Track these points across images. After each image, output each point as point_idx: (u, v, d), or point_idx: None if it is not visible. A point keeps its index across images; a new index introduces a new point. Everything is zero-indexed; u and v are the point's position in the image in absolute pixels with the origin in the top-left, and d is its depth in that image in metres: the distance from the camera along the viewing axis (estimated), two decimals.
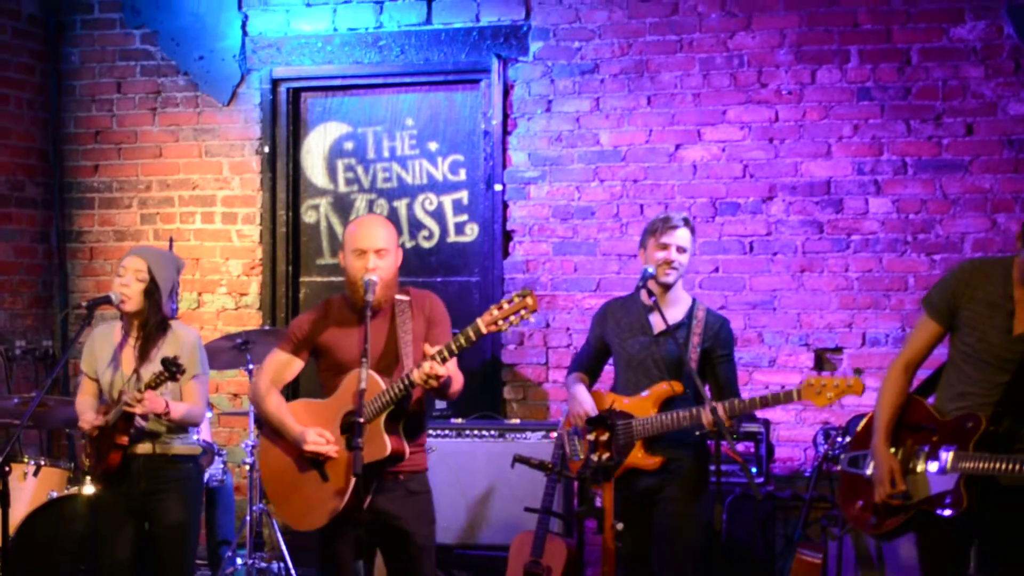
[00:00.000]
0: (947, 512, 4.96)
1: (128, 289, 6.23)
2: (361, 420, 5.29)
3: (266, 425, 5.91)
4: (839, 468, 5.68)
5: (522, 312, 5.30)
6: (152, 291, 6.26)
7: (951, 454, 5.00)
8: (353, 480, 5.38)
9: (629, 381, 6.43)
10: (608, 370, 6.74)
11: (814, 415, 8.27)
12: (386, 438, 5.46)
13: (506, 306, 5.32)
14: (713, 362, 6.40)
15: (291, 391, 6.05)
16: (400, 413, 5.55)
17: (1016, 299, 4.97)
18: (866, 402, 7.99)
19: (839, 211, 8.30)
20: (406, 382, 5.43)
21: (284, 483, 5.79)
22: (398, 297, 5.81)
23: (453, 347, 5.39)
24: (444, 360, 5.37)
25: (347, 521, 5.51)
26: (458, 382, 5.70)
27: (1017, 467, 4.79)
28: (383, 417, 5.48)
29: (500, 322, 5.32)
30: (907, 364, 5.34)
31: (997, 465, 4.84)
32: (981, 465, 4.88)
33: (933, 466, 5.05)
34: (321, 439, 5.58)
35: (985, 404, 5.01)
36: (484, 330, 5.33)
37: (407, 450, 5.58)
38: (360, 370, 5.39)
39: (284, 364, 5.89)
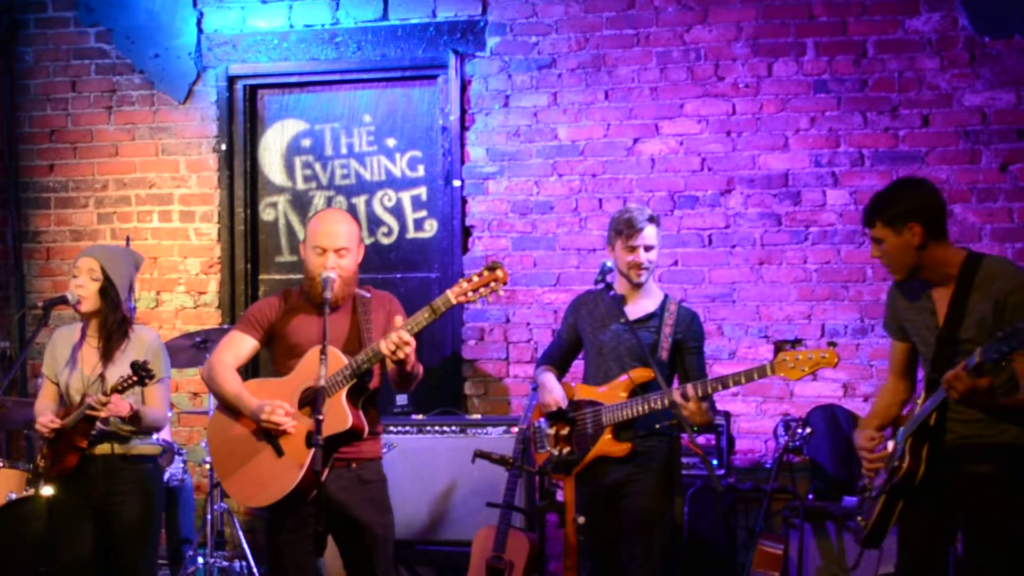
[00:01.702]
0: (900, 475, 5.08)
1: (83, 290, 6.17)
2: (320, 417, 5.28)
3: (220, 402, 5.88)
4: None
5: (492, 284, 5.34)
6: (108, 290, 6.20)
7: (901, 429, 5.22)
8: (309, 455, 5.38)
9: (599, 370, 6.43)
10: (577, 365, 6.74)
11: (774, 406, 8.30)
12: (347, 410, 5.46)
13: (476, 279, 5.36)
14: (683, 353, 6.42)
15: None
16: (360, 389, 5.56)
17: (934, 297, 5.20)
18: (826, 392, 8.07)
19: (797, 203, 8.33)
20: (371, 352, 5.44)
21: (236, 459, 5.75)
22: (359, 292, 5.82)
23: (423, 319, 5.40)
24: (412, 332, 5.37)
25: (301, 509, 5.51)
26: (418, 369, 5.69)
27: (939, 403, 4.99)
28: (345, 390, 5.49)
29: (470, 293, 5.35)
30: (893, 373, 5.56)
31: (924, 412, 5.05)
32: (917, 420, 5.08)
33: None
34: (280, 409, 5.56)
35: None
36: (454, 300, 5.37)
37: (366, 427, 5.58)
38: (321, 367, 5.38)
39: (241, 345, 5.89)
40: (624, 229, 6.36)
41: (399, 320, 5.43)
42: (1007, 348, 4.59)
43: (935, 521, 5.22)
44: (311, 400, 5.51)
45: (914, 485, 5.08)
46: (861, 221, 5.31)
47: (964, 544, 5.29)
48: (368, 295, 5.86)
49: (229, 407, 5.80)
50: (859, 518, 5.41)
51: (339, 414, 5.45)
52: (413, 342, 5.37)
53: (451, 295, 5.36)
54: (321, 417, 5.28)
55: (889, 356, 5.60)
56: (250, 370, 7.82)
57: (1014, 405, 4.97)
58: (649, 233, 6.36)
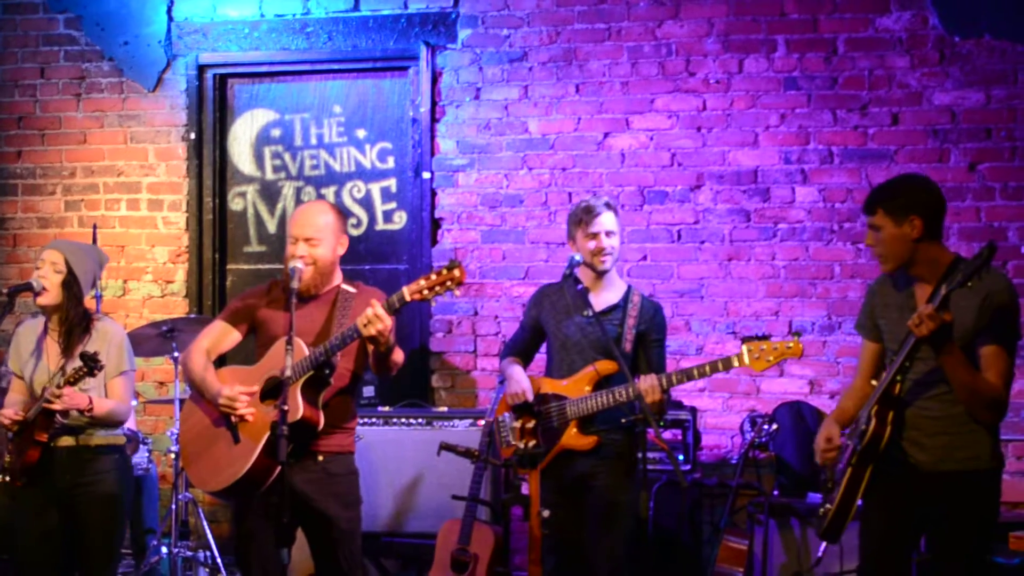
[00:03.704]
0: (867, 439, 5.09)
1: (46, 281, 6.15)
2: (286, 408, 5.27)
3: (191, 387, 5.89)
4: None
5: (448, 283, 5.34)
6: (71, 284, 6.18)
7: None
8: (262, 442, 5.40)
9: (563, 363, 6.41)
10: (540, 358, 6.73)
11: (741, 402, 8.31)
12: (299, 402, 5.46)
13: (433, 277, 5.36)
14: (646, 345, 6.41)
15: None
16: (320, 382, 5.54)
17: (916, 297, 5.21)
18: (792, 389, 8.09)
19: (766, 200, 8.35)
20: (333, 343, 5.46)
21: (197, 442, 5.78)
22: (344, 287, 5.81)
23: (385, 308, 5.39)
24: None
25: (267, 500, 5.50)
26: (399, 355, 5.68)
27: (909, 350, 5.03)
28: (300, 382, 5.48)
29: (425, 291, 5.34)
30: (861, 374, 5.53)
31: (884, 378, 5.11)
32: (877, 390, 5.13)
33: (858, 429, 5.21)
34: (237, 396, 5.56)
35: None
36: (408, 298, 5.35)
37: (321, 421, 5.56)
38: (286, 356, 5.37)
39: (220, 333, 5.89)
40: (583, 216, 6.37)
41: (375, 302, 5.41)
42: (974, 268, 4.76)
43: (897, 519, 5.22)
44: (273, 389, 5.51)
45: (879, 450, 5.09)
46: (862, 208, 5.30)
47: (931, 541, 5.30)
48: (353, 290, 5.85)
49: (198, 392, 5.81)
50: (821, 509, 5.39)
51: (291, 405, 5.42)
52: (387, 319, 5.35)
53: (406, 292, 5.36)
54: (286, 407, 5.27)
55: (859, 356, 5.59)
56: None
57: (972, 380, 4.99)
58: (607, 218, 6.35)
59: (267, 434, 5.43)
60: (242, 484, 5.52)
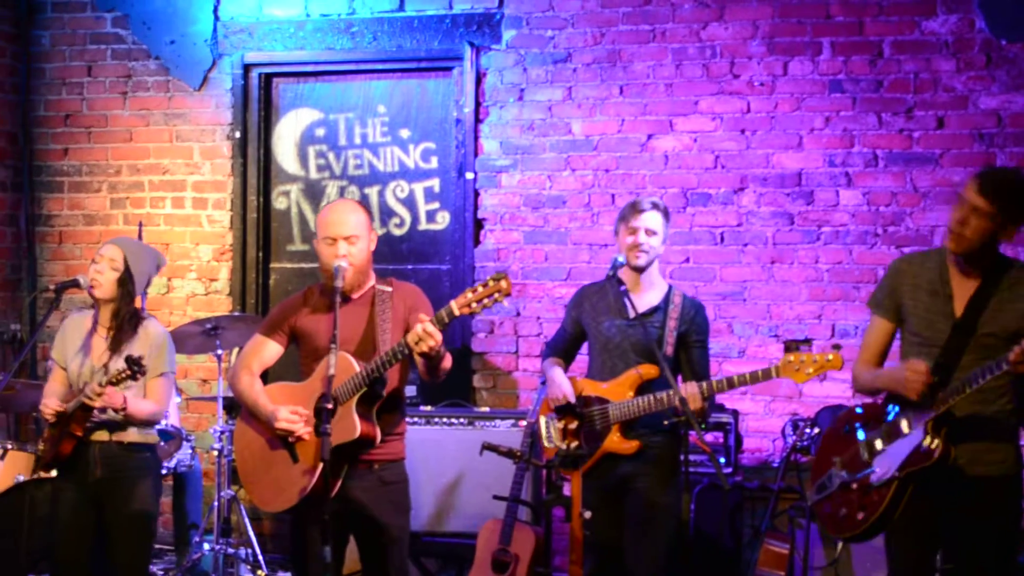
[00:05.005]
0: (935, 459, 4.93)
1: (101, 276, 6.20)
2: (329, 406, 5.28)
3: (241, 406, 5.87)
4: (812, 503, 5.59)
5: (496, 295, 5.30)
6: (125, 281, 6.23)
7: (910, 414, 5.07)
8: (322, 463, 5.37)
9: (605, 365, 6.39)
10: (581, 359, 6.72)
11: (783, 406, 8.29)
12: (356, 420, 5.42)
13: (480, 289, 5.32)
14: (688, 346, 6.37)
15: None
16: (373, 396, 5.51)
17: (952, 284, 5.13)
18: (835, 393, 8.05)
19: (810, 203, 8.32)
20: (385, 357, 5.42)
21: (255, 464, 5.76)
22: (380, 287, 5.79)
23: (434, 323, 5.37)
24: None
25: (318, 507, 5.50)
26: (448, 361, 5.64)
27: (967, 386, 4.89)
28: (355, 399, 5.45)
29: (473, 304, 5.30)
30: (866, 363, 5.42)
31: (950, 395, 4.94)
32: (942, 407, 4.95)
33: (898, 433, 5.10)
34: (294, 417, 5.55)
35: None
36: (457, 312, 5.32)
37: (378, 435, 5.53)
38: (330, 355, 5.37)
39: (262, 347, 5.85)
40: (628, 212, 6.35)
41: (423, 316, 5.40)
42: None
43: (925, 526, 5.17)
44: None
45: (947, 467, 5.00)
46: (979, 187, 5.08)
47: (950, 549, 5.25)
48: (389, 288, 5.80)
49: (249, 412, 5.81)
50: (845, 511, 5.30)
51: (348, 424, 5.42)
52: (438, 336, 5.31)
53: (454, 306, 5.32)
54: (330, 406, 5.28)
55: (866, 338, 5.46)
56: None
57: None
58: (651, 217, 6.30)
59: None
60: (306, 503, 5.52)
